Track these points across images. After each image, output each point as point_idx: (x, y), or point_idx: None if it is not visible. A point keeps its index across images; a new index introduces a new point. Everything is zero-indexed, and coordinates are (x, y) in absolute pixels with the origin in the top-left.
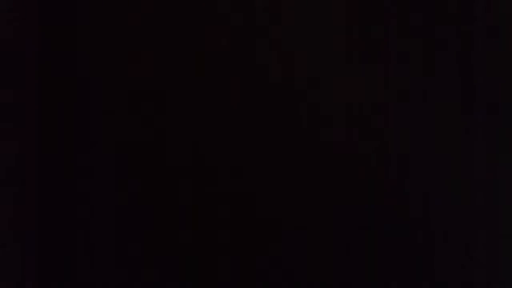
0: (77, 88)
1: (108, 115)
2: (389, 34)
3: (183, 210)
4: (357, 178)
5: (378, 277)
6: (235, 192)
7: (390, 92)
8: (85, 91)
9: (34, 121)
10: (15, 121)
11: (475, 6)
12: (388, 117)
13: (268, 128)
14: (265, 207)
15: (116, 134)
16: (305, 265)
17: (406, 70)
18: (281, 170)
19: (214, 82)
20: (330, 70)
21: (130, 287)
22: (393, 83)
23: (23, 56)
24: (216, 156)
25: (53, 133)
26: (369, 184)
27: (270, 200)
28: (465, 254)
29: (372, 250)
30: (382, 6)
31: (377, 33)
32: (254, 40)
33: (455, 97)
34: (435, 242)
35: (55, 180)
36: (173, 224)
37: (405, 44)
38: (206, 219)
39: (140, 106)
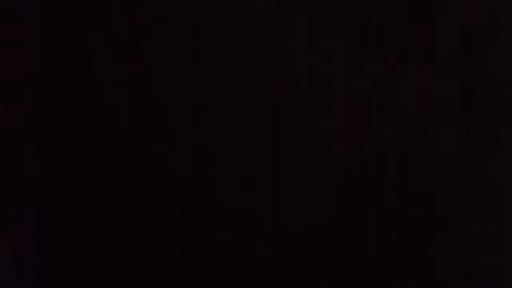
0: (77, 88)
1: (108, 114)
2: (390, 34)
3: (183, 211)
4: (357, 178)
5: (378, 277)
6: (235, 192)
7: (390, 92)
8: (85, 91)
9: (34, 121)
10: (15, 122)
11: (476, 6)
12: (388, 117)
13: (267, 128)
14: (265, 207)
15: (116, 133)
16: (305, 265)
17: (406, 70)
18: (280, 170)
19: (214, 82)
20: (329, 69)
21: (130, 287)
22: (393, 83)
23: (23, 54)
24: (215, 156)
25: (53, 132)
26: (369, 184)
27: (270, 200)
28: (465, 254)
29: (372, 250)
30: (382, 6)
31: (377, 33)
32: (254, 40)
33: (455, 97)
34: (435, 242)
35: (55, 180)
36: (173, 225)
37: (405, 44)
38: (206, 219)
39: (140, 107)
